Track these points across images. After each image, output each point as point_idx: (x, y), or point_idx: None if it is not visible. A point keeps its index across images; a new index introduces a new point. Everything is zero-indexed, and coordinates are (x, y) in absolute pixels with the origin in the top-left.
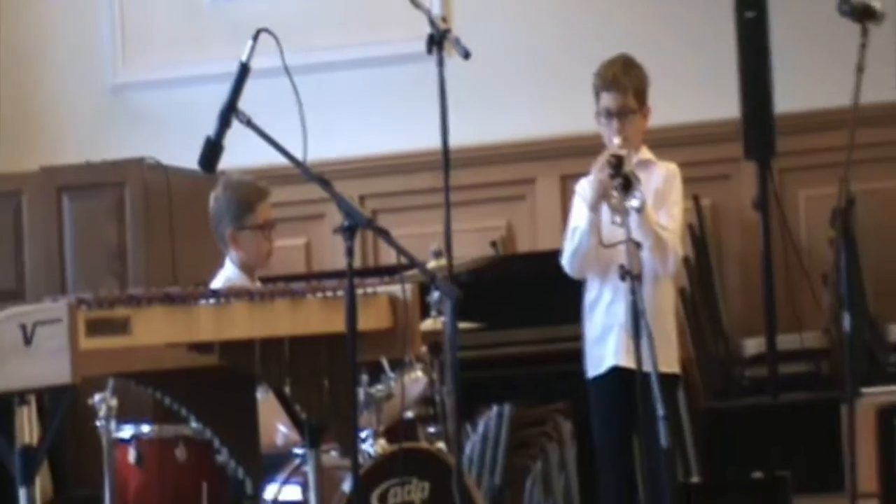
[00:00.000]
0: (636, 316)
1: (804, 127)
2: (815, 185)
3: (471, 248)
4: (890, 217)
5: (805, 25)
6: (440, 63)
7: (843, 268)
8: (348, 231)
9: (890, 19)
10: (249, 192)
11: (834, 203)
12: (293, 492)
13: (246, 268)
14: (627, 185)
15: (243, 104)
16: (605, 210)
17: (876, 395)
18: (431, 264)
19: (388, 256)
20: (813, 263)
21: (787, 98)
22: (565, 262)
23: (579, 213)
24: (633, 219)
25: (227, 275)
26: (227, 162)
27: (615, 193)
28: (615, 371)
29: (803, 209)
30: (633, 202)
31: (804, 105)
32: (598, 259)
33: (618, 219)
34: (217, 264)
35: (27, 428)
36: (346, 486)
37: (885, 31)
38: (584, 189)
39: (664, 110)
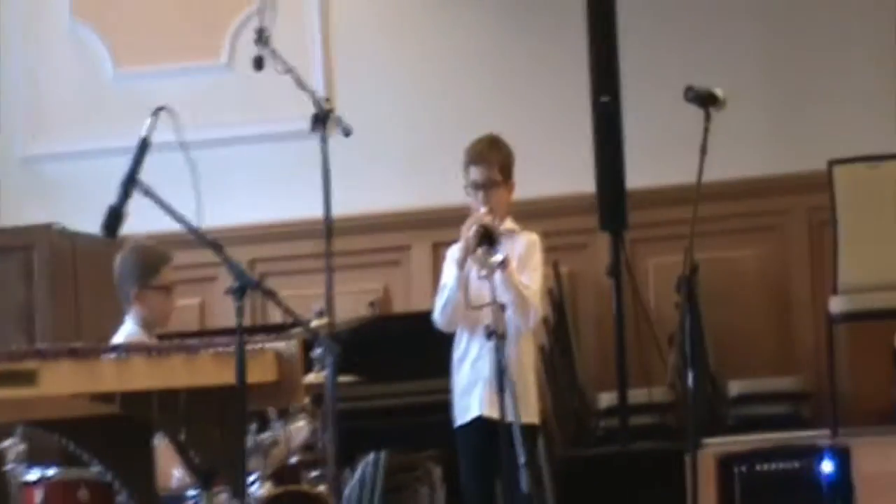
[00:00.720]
0: (500, 371)
1: (653, 201)
2: (663, 254)
3: (350, 308)
4: (730, 284)
5: (655, 110)
6: (324, 140)
7: (686, 329)
8: (238, 292)
9: (734, 104)
10: (154, 256)
11: (679, 271)
12: None
13: (146, 325)
14: (492, 242)
15: (144, 175)
16: (472, 275)
17: (717, 444)
18: (314, 323)
19: (275, 316)
20: (660, 325)
21: (639, 175)
22: (436, 316)
23: (449, 273)
24: (498, 276)
25: (128, 331)
26: (128, 228)
27: (480, 250)
28: (480, 421)
29: (652, 276)
30: (497, 257)
31: (654, 182)
32: (465, 318)
33: (483, 272)
34: (118, 322)
35: None
36: None
37: (726, 116)
38: (453, 252)
39: (528, 185)
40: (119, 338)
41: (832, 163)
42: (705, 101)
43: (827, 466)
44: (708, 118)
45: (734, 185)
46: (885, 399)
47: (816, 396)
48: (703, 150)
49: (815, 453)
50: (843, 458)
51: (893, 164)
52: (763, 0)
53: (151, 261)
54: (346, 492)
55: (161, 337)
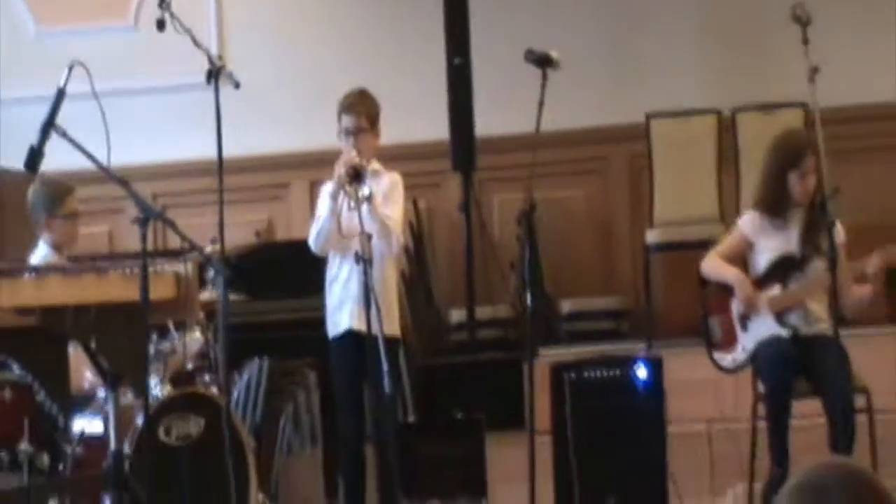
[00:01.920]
0: (367, 291)
1: (499, 147)
2: (507, 192)
3: (239, 236)
4: (563, 218)
5: (502, 67)
6: (216, 91)
7: (525, 257)
8: (142, 221)
9: (568, 63)
10: (59, 188)
11: (520, 207)
12: (96, 425)
13: (56, 247)
14: (360, 179)
15: (61, 121)
16: (343, 208)
17: (550, 355)
18: (208, 249)
19: (174, 242)
20: (504, 253)
21: (487, 124)
22: (312, 242)
23: (323, 206)
24: (365, 209)
25: (42, 253)
26: (46, 165)
27: (350, 186)
28: (350, 333)
29: (497, 211)
30: (365, 192)
31: (499, 130)
32: (338, 244)
33: (353, 205)
34: (32, 244)
35: None
36: (139, 421)
37: (561, 73)
38: (327, 188)
39: (392, 131)
40: (34, 259)
41: (649, 116)
42: (542, 61)
43: (642, 373)
44: (545, 76)
45: (567, 134)
46: (692, 317)
47: (634, 314)
48: (541, 104)
49: (633, 362)
50: (656, 366)
51: (701, 118)
52: None
53: (57, 192)
54: (234, 393)
55: (73, 259)
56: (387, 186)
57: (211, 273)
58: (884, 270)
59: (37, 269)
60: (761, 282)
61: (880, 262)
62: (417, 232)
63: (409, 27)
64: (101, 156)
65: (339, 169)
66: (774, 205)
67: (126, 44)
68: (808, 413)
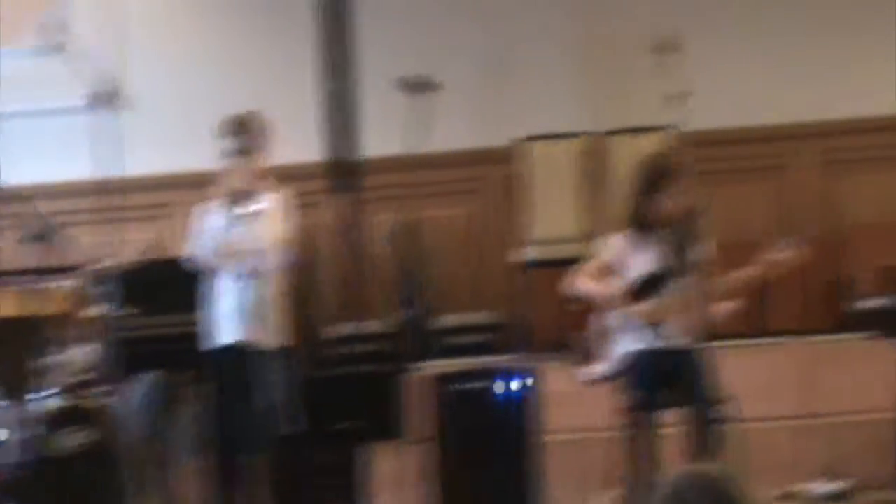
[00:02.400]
0: (255, 304)
1: (382, 168)
2: (390, 211)
3: (129, 253)
4: (447, 238)
5: (381, 91)
6: (111, 112)
7: (407, 273)
8: (37, 238)
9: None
10: None
11: (402, 225)
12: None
13: None
14: (248, 197)
15: None
16: (232, 225)
17: (428, 367)
18: (100, 265)
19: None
20: (385, 270)
21: (368, 145)
22: (200, 257)
23: (213, 223)
24: (251, 225)
25: None
26: None
27: (238, 204)
28: (234, 346)
29: (381, 229)
30: (256, 208)
31: (383, 151)
32: (227, 259)
33: (241, 222)
34: None
35: None
36: (29, 433)
37: (440, 97)
38: (216, 206)
39: (274, 153)
40: None
41: (524, 139)
42: (416, 87)
43: (515, 385)
44: (424, 100)
45: (446, 155)
46: (563, 329)
47: (510, 328)
48: (419, 126)
49: (507, 374)
50: (530, 378)
51: (572, 141)
52: (474, 1)
53: None
54: (125, 405)
55: None
56: (275, 204)
57: (102, 289)
58: (751, 284)
59: None
60: (630, 297)
61: (748, 276)
62: (306, 248)
63: (293, 55)
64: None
65: (225, 188)
66: (642, 224)
67: (28, 67)
68: (673, 422)
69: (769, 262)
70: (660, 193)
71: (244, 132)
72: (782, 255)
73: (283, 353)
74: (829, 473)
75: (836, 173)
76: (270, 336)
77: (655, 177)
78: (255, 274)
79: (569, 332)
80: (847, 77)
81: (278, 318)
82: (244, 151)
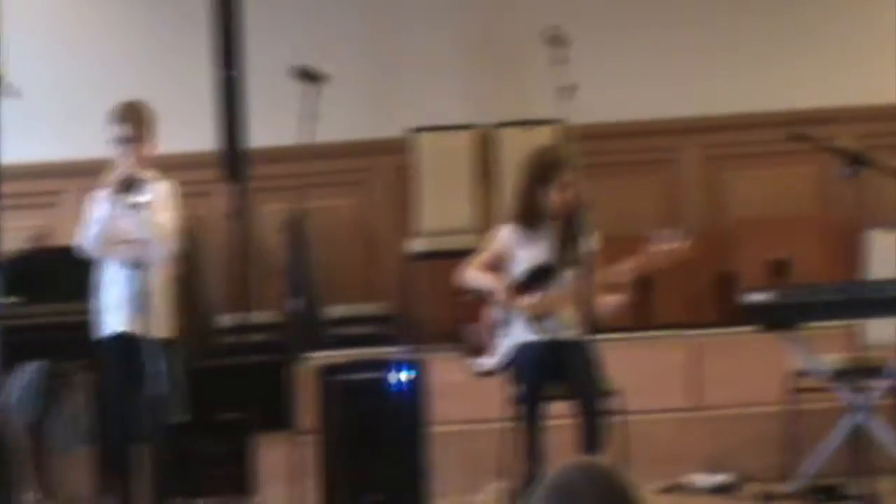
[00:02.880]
0: (141, 294)
1: (271, 157)
2: (277, 201)
3: (15, 242)
4: (331, 227)
5: (271, 80)
6: None
7: (294, 263)
8: None
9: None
10: None
11: (291, 215)
12: None
13: None
14: (135, 187)
15: None
16: (118, 214)
17: (317, 358)
18: None
19: None
20: (274, 260)
21: (257, 135)
22: (87, 246)
23: (99, 212)
24: (140, 215)
25: None
26: None
27: (125, 194)
28: (122, 335)
29: (268, 219)
30: (139, 199)
31: (269, 141)
32: (113, 249)
33: (128, 212)
34: None
35: None
36: None
37: (331, 88)
38: (103, 195)
39: (163, 141)
40: None
41: (414, 130)
42: (307, 76)
43: (404, 376)
44: (314, 91)
45: (335, 146)
46: (452, 322)
47: (399, 319)
48: (310, 117)
49: (396, 366)
50: (418, 369)
51: (462, 133)
52: None
53: None
54: (10, 394)
55: None
56: (161, 194)
57: None
58: (637, 275)
59: None
60: (517, 290)
61: (633, 266)
62: (191, 238)
63: (184, 41)
64: None
65: (113, 177)
66: (531, 217)
67: None
68: (561, 414)
69: (654, 254)
70: (547, 186)
71: (131, 121)
72: (667, 246)
73: (170, 343)
74: (715, 466)
75: (721, 168)
76: (156, 326)
77: (543, 169)
78: (140, 264)
79: (459, 323)
80: (731, 73)
81: (164, 308)
82: (131, 140)
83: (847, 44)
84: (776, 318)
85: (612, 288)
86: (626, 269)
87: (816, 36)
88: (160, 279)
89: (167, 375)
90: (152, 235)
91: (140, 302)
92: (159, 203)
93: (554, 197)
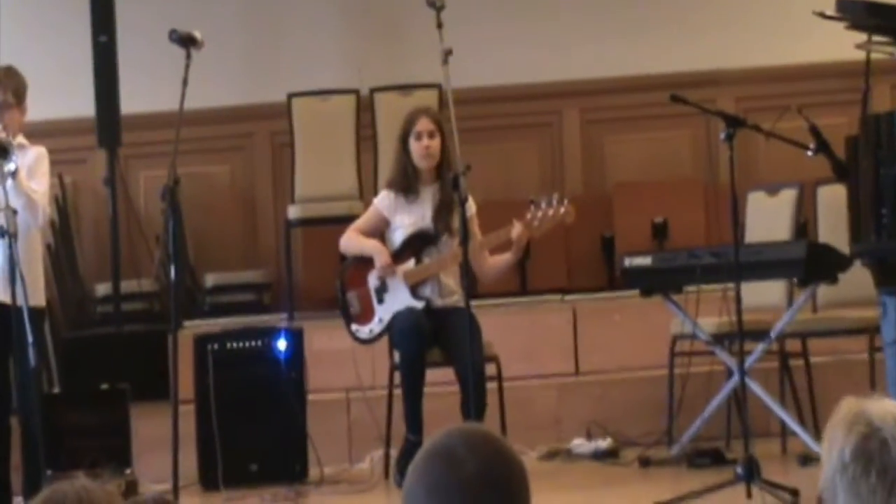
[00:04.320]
0: (11, 264)
1: (144, 124)
2: (152, 168)
3: None
4: (208, 194)
5: (146, 48)
6: None
7: (170, 231)
8: None
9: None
10: None
11: (165, 182)
12: None
13: None
14: (5, 154)
15: None
16: None
17: (194, 326)
18: None
19: None
20: (150, 227)
21: (132, 101)
22: None
23: None
24: (10, 184)
25: None
26: None
27: None
28: None
29: (143, 186)
30: (10, 167)
31: (146, 107)
32: None
33: None
34: None
35: None
36: None
37: (206, 53)
38: None
39: (37, 108)
40: None
41: (291, 95)
42: (186, 41)
43: (283, 344)
44: (188, 56)
45: (211, 112)
46: (330, 289)
47: (277, 287)
48: (185, 82)
49: (275, 333)
50: (297, 337)
51: (340, 98)
52: None
53: None
54: None
55: None
56: (32, 161)
57: None
58: (525, 238)
59: None
60: (396, 256)
61: (523, 230)
62: (63, 206)
63: (60, 6)
64: None
65: None
66: (405, 180)
67: None
68: (441, 381)
69: (533, 219)
70: (409, 140)
71: (5, 85)
72: (547, 212)
73: (41, 312)
74: (595, 432)
75: (601, 132)
76: (32, 295)
77: (404, 125)
78: (17, 232)
79: (338, 291)
80: (610, 37)
81: (35, 277)
82: (5, 105)
83: (724, 6)
84: (655, 283)
85: (500, 248)
86: (503, 235)
87: None
88: (32, 247)
89: (41, 346)
90: (24, 203)
91: (11, 271)
92: (30, 170)
93: (414, 148)
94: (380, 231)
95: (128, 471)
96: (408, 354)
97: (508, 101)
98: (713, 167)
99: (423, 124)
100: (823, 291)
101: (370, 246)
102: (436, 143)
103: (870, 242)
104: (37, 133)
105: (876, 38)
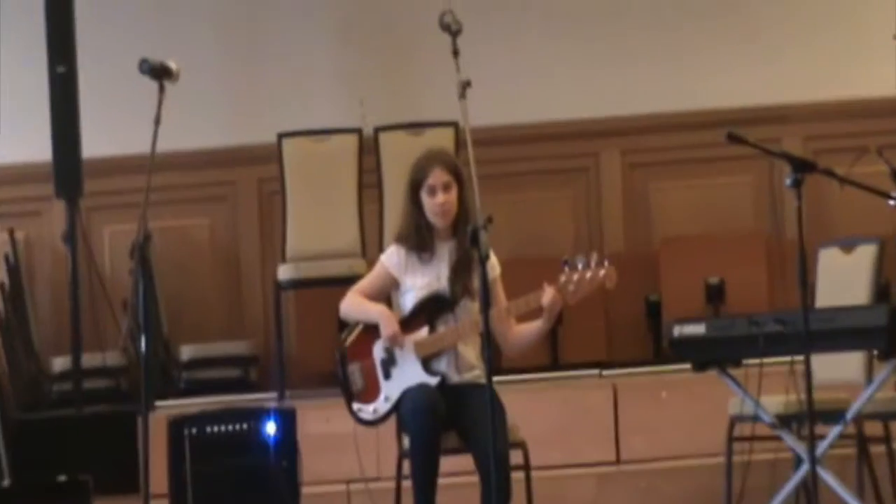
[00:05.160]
0: None
1: (109, 170)
2: (119, 221)
3: None
4: (183, 251)
5: (112, 81)
6: None
7: (140, 295)
8: None
9: (189, 77)
10: None
11: (134, 238)
12: None
13: None
14: None
15: None
16: None
17: (168, 407)
18: None
19: None
20: (115, 291)
21: (95, 144)
22: None
23: None
24: None
25: None
26: None
27: None
28: None
29: (108, 243)
30: None
31: (110, 151)
32: None
33: None
34: None
35: None
36: None
37: (181, 88)
38: None
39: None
40: None
41: (281, 135)
42: (159, 73)
43: (272, 428)
44: (162, 90)
45: (188, 155)
46: (328, 362)
47: (265, 360)
48: (157, 121)
49: (263, 415)
50: (288, 419)
51: (338, 138)
52: None
53: None
54: None
55: None
56: None
57: None
58: (558, 305)
59: None
60: (406, 323)
61: (556, 296)
62: (15, 266)
63: (8, 33)
64: None
65: None
66: (417, 236)
67: None
68: (458, 470)
69: (567, 283)
70: (422, 192)
71: None
72: (583, 275)
73: None
74: None
75: (645, 177)
76: None
77: (414, 174)
78: None
79: (338, 364)
80: (653, 66)
81: None
82: None
83: (790, 30)
84: (709, 355)
85: (528, 315)
86: (535, 302)
87: (756, 21)
88: None
89: None
90: None
91: None
92: None
93: (427, 203)
94: (387, 294)
95: None
96: (419, 439)
97: (537, 142)
98: (777, 219)
99: (437, 176)
100: None
101: (375, 311)
102: (452, 196)
103: None
104: (6, 178)
105: None
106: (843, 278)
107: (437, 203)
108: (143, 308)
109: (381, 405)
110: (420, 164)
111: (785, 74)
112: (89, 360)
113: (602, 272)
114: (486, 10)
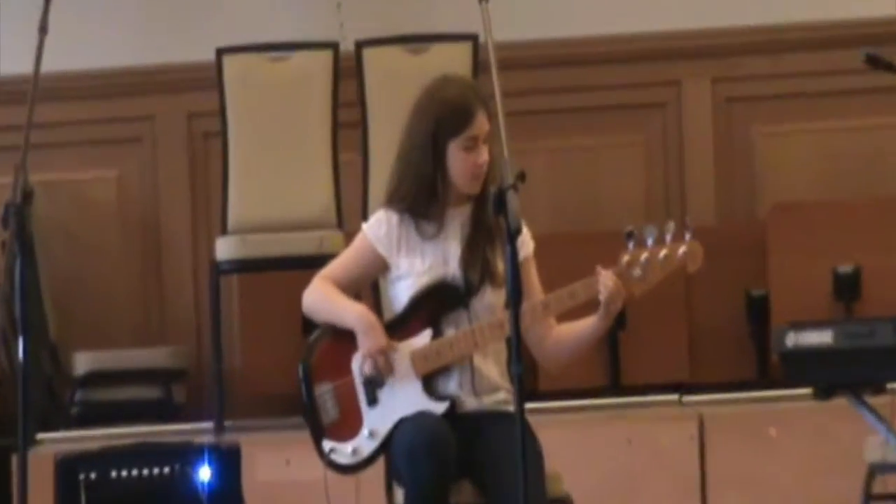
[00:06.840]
0: None
1: None
2: None
3: None
4: (77, 216)
5: None
6: None
7: (17, 281)
8: None
9: None
10: None
11: (7, 196)
12: None
13: None
14: None
15: None
16: None
17: (57, 441)
18: None
19: None
20: None
21: None
22: None
23: None
24: None
25: None
26: None
27: None
28: None
29: None
30: None
31: None
32: None
33: None
34: None
35: None
36: None
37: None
38: None
39: None
40: None
41: (221, 51)
42: None
43: (206, 473)
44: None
45: (87, 77)
46: (286, 380)
47: (196, 375)
48: (43, 28)
49: (193, 454)
50: (230, 460)
51: (305, 56)
52: None
53: None
54: None
55: None
56: None
57: None
58: (620, 298)
59: None
60: (401, 325)
61: (615, 284)
62: None
63: None
64: None
65: None
66: (422, 199)
67: None
68: None
69: (632, 266)
70: (453, 144)
71: None
72: (654, 253)
73: None
74: None
75: (744, 118)
76: None
77: (446, 117)
78: None
79: (301, 382)
80: None
81: None
82: None
83: None
84: (838, 375)
85: (575, 312)
86: (585, 292)
87: None
88: None
89: None
90: None
91: None
92: None
93: (457, 160)
94: (371, 281)
95: None
96: (419, 492)
97: (590, 66)
98: None
99: (481, 124)
100: None
101: (351, 314)
102: (488, 155)
103: None
104: None
105: None
106: None
107: (478, 163)
108: (21, 299)
109: (363, 443)
110: (456, 103)
111: None
112: None
113: (682, 250)
114: None
